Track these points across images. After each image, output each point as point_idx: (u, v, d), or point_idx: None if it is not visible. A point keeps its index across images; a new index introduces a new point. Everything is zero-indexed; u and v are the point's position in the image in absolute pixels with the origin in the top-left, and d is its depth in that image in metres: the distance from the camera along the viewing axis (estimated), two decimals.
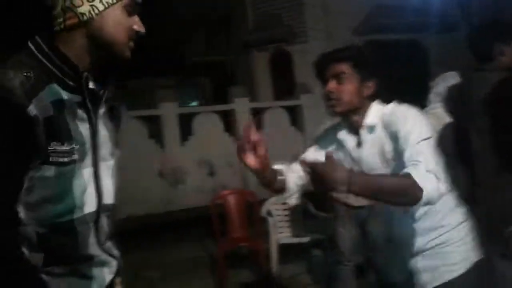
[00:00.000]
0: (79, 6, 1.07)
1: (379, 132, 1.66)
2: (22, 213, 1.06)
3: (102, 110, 1.19)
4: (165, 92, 7.92)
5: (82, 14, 1.08)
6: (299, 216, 4.53)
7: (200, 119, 7.93)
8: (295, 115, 8.74)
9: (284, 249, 4.45)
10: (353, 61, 1.68)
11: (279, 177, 1.82)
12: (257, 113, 8.56)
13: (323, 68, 1.72)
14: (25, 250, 1.08)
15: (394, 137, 1.59)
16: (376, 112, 1.68)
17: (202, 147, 7.75)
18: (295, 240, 4.44)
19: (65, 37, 1.10)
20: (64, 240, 1.11)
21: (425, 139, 1.52)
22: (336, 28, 8.91)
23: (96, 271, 1.19)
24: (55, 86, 1.07)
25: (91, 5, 1.08)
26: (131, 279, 4.88)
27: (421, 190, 1.38)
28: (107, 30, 1.11)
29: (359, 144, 1.73)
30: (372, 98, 1.70)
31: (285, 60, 9.51)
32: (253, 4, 9.91)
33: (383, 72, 1.77)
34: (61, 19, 1.09)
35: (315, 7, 9.31)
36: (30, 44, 1.09)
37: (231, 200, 4.68)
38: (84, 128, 1.12)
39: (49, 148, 1.04)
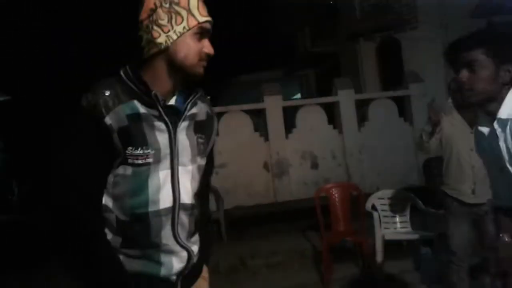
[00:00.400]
0: (157, 38, 1.32)
1: None
2: (110, 202, 1.34)
3: (184, 123, 1.41)
4: (269, 85, 8.06)
5: (160, 43, 1.33)
6: (406, 212, 4.34)
7: (304, 112, 7.94)
8: (403, 106, 8.34)
9: (391, 245, 4.29)
10: (485, 47, 1.56)
11: None
12: (363, 105, 8.33)
13: (455, 57, 1.61)
14: (108, 233, 1.34)
15: None
16: (509, 104, 1.54)
17: (306, 140, 7.77)
18: (402, 236, 4.26)
19: (151, 63, 1.37)
20: (139, 228, 1.34)
21: None
22: (451, 12, 8.28)
23: (164, 258, 1.38)
24: (135, 103, 1.32)
25: (166, 36, 1.32)
26: (238, 266, 5.09)
27: None
28: (180, 55, 1.34)
29: (493, 135, 1.61)
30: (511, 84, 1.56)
31: (394, 48, 9.10)
32: None
33: None
34: (147, 49, 1.35)
35: None
36: (121, 72, 1.37)
37: (335, 193, 4.63)
38: (162, 137, 1.35)
39: (126, 152, 1.30)
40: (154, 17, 1.32)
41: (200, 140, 1.46)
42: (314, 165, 7.77)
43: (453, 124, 3.10)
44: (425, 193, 4.64)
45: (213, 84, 13.55)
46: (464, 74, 1.58)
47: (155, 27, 1.32)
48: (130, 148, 1.30)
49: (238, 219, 6.57)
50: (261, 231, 6.13)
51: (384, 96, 8.38)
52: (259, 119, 8.09)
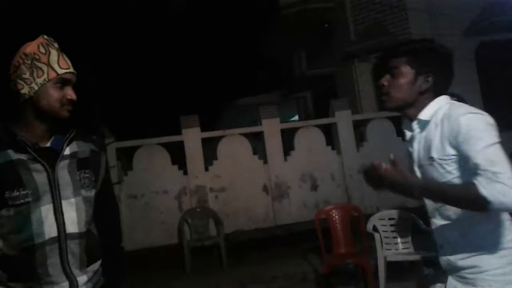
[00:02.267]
0: (21, 89, 1.55)
1: (432, 128, 1.59)
2: None
3: (64, 162, 1.60)
4: (266, 108, 8.09)
5: (24, 94, 1.55)
6: (407, 232, 4.30)
7: (302, 134, 7.95)
8: (400, 125, 8.34)
9: (393, 266, 4.24)
10: (407, 55, 1.62)
11: None
12: (360, 125, 8.34)
13: (383, 63, 1.70)
14: None
15: (453, 138, 1.49)
16: (433, 108, 1.61)
17: (304, 162, 7.75)
18: (404, 257, 4.21)
19: (22, 112, 1.58)
20: (25, 261, 1.49)
21: (494, 143, 1.43)
22: (444, 32, 8.38)
23: None
24: (8, 151, 1.52)
25: (29, 87, 1.55)
26: None
27: (487, 202, 1.34)
28: (43, 102, 1.55)
29: (412, 138, 1.72)
30: (433, 92, 1.62)
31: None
32: (354, 14, 9.77)
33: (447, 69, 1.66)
34: (16, 100, 1.57)
35: (420, 11, 8.88)
36: None
37: (336, 214, 4.60)
38: (40, 177, 1.53)
39: (5, 195, 1.48)
40: (18, 72, 1.55)
41: (84, 175, 1.64)
42: (314, 187, 7.73)
43: None
44: (426, 213, 4.60)
45: (212, 108, 13.63)
46: (385, 78, 1.67)
47: (19, 81, 1.55)
48: (7, 192, 1.48)
49: (238, 244, 6.50)
50: (262, 255, 6.07)
51: (381, 116, 8.41)
52: (257, 142, 8.09)
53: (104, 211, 1.72)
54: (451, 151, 1.52)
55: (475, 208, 1.41)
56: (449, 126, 1.51)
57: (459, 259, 1.59)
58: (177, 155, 7.63)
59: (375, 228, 4.35)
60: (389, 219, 4.40)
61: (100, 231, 1.72)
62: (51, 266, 1.50)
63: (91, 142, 1.73)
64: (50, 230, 1.51)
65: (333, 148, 8.03)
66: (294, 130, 8.10)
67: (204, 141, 7.59)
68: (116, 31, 9.64)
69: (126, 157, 7.70)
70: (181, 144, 7.49)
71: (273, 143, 7.78)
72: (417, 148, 1.70)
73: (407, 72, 1.62)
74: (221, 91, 13.98)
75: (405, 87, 1.63)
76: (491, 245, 1.53)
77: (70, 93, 1.59)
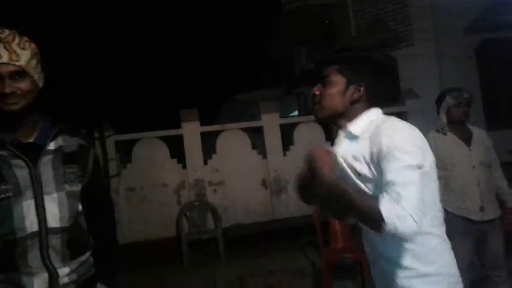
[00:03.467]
0: None
1: (360, 143, 1.53)
2: None
3: (48, 157, 1.61)
4: (266, 103, 8.09)
5: None
6: None
7: (301, 129, 7.95)
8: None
9: None
10: (339, 64, 1.59)
11: None
12: None
13: (316, 72, 1.66)
14: None
15: (376, 156, 1.44)
16: (365, 121, 1.56)
17: (303, 157, 7.75)
18: None
19: None
20: (7, 253, 1.51)
21: (413, 166, 1.37)
22: (446, 29, 8.37)
23: (26, 280, 1.53)
24: None
25: None
26: (237, 285, 5.02)
27: (382, 221, 1.30)
28: None
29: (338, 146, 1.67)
30: (365, 102, 1.58)
31: (390, 65, 9.16)
32: (355, 10, 9.74)
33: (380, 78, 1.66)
34: None
35: (422, 8, 8.85)
36: None
37: None
38: (21, 172, 1.55)
39: None
40: None
41: (70, 170, 1.64)
42: None
43: (449, 142, 3.10)
44: None
45: (212, 102, 13.61)
46: (317, 88, 1.63)
47: None
48: None
49: (236, 237, 6.51)
50: (260, 249, 6.08)
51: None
52: (256, 137, 8.09)
53: (94, 205, 1.74)
54: (373, 169, 1.47)
55: (370, 223, 1.36)
56: (375, 144, 1.46)
57: (391, 280, 1.55)
58: (176, 148, 7.63)
59: None
60: None
61: (91, 224, 1.74)
62: (31, 259, 1.53)
63: (79, 137, 1.73)
64: (31, 224, 1.53)
65: (332, 144, 8.03)
66: (293, 125, 8.10)
67: (203, 135, 7.59)
68: (117, 23, 9.62)
69: (126, 150, 7.70)
70: (180, 137, 7.49)
71: (273, 138, 7.78)
72: (341, 157, 1.64)
73: (337, 81, 1.58)
74: (221, 85, 13.96)
75: (335, 97, 1.58)
76: (420, 269, 1.50)
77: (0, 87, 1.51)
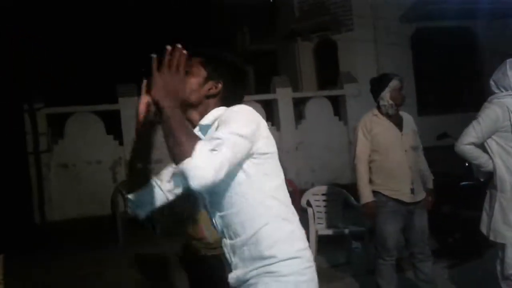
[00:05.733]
0: None
1: (212, 131, 1.53)
2: None
3: None
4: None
5: None
6: (339, 208, 4.48)
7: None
8: (338, 105, 8.60)
9: (323, 240, 4.41)
10: (202, 57, 1.61)
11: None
12: (300, 103, 8.49)
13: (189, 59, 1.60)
14: None
15: (217, 127, 1.46)
16: (214, 113, 1.57)
17: None
18: (335, 231, 4.39)
19: None
20: None
21: (239, 134, 1.36)
22: (383, 16, 8.65)
23: None
24: None
25: None
26: (175, 261, 5.00)
27: (187, 158, 1.26)
28: None
29: None
30: (220, 101, 1.59)
31: (330, 49, 9.36)
32: None
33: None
34: None
35: None
36: None
37: None
38: None
39: None
40: None
41: None
42: None
43: (385, 127, 3.21)
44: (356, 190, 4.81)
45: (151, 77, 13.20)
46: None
47: None
48: None
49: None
50: None
51: (320, 95, 8.60)
52: None
53: None
54: None
55: (177, 159, 1.30)
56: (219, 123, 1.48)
57: (250, 271, 1.50)
58: (113, 124, 7.38)
59: (308, 203, 4.49)
60: (322, 194, 4.55)
61: None
62: None
63: None
64: None
65: (272, 125, 8.12)
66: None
67: None
68: None
69: (58, 125, 7.33)
70: (117, 113, 7.24)
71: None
72: None
73: (199, 72, 1.59)
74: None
75: (193, 87, 1.57)
76: (280, 254, 1.47)
77: None
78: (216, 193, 1.48)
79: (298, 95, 8.65)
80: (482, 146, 2.69)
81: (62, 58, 10.99)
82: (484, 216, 2.75)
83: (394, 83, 3.17)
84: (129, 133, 7.21)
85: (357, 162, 3.25)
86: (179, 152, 1.29)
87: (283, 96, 8.15)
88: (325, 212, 4.51)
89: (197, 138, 1.34)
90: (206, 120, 1.57)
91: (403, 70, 7.17)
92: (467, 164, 2.96)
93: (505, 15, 8.45)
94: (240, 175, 1.45)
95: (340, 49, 9.16)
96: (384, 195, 3.16)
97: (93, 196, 6.92)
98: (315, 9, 9.40)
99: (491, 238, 2.67)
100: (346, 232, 4.33)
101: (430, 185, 3.30)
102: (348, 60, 8.85)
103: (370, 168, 3.24)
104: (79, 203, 6.85)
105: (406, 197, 3.12)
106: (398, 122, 3.23)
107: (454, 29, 8.78)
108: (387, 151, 3.16)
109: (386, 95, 3.18)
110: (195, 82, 1.59)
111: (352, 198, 4.34)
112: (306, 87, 9.64)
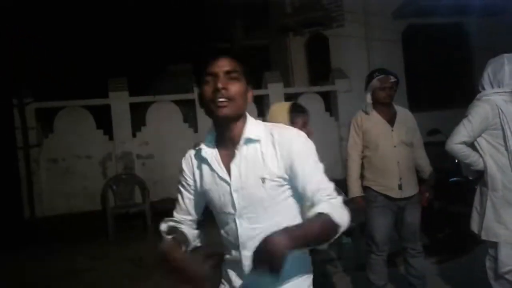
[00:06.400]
0: None
1: (260, 148, 1.47)
2: None
3: None
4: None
5: None
6: None
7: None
8: (329, 101, 8.60)
9: None
10: (241, 62, 1.48)
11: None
12: (291, 98, 8.47)
13: (213, 61, 1.46)
14: None
15: (288, 158, 1.43)
16: (256, 127, 1.49)
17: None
18: None
19: None
20: None
21: (318, 162, 1.47)
22: (375, 12, 8.65)
23: None
24: None
25: None
26: None
27: (339, 227, 1.34)
28: None
29: (230, 157, 1.49)
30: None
31: (321, 44, 9.34)
32: None
33: None
34: None
35: None
36: None
37: None
38: None
39: None
40: None
41: None
42: None
43: (374, 122, 3.22)
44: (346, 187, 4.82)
45: (142, 72, 13.13)
46: (224, 80, 1.43)
47: None
48: None
49: (166, 212, 6.43)
50: None
51: (312, 91, 8.59)
52: (188, 109, 7.95)
53: None
54: (284, 172, 1.45)
55: (331, 237, 1.36)
56: (283, 147, 1.45)
57: None
58: (103, 119, 7.31)
59: None
60: None
61: None
62: None
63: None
64: None
65: (263, 120, 8.11)
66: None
67: (133, 106, 7.32)
68: None
69: (47, 119, 7.25)
70: (107, 108, 7.18)
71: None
72: (236, 169, 1.48)
73: (241, 78, 1.46)
74: (153, 55, 13.48)
75: (243, 95, 1.45)
76: (298, 271, 1.51)
77: None
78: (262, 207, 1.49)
79: (290, 90, 8.64)
80: (472, 145, 2.70)
81: (52, 52, 10.86)
82: (475, 215, 2.75)
83: (374, 83, 3.19)
84: (119, 127, 7.17)
85: (348, 157, 3.27)
86: (333, 234, 1.36)
87: (275, 92, 8.14)
88: None
89: (320, 220, 1.33)
90: (253, 135, 1.48)
91: (394, 66, 7.17)
92: (456, 161, 2.97)
93: (497, 12, 8.49)
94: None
95: (331, 45, 9.15)
96: (374, 190, 3.18)
97: (83, 191, 6.87)
98: (306, 4, 9.38)
99: (483, 237, 2.67)
100: None
101: (430, 181, 3.32)
102: (340, 56, 8.85)
103: (362, 163, 3.25)
104: (69, 198, 6.79)
105: (394, 193, 3.14)
106: (389, 118, 3.24)
107: (446, 26, 8.80)
108: (376, 146, 3.18)
109: (367, 95, 3.23)
110: (243, 90, 1.46)
111: (343, 194, 4.34)
112: (297, 82, 9.63)
